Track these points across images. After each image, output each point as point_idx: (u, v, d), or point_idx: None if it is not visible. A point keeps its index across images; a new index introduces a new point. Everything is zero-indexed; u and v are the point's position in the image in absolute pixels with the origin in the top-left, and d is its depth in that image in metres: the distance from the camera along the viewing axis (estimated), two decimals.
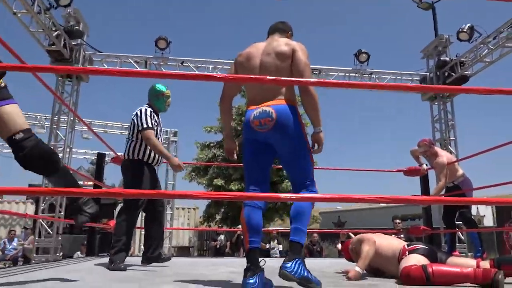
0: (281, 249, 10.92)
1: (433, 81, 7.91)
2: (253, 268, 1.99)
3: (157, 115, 3.56)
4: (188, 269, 3.38)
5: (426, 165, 5.60)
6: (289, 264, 1.94)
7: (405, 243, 2.90)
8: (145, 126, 3.32)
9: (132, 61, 7.67)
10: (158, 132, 3.50)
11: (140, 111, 3.43)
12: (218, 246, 12.52)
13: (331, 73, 8.09)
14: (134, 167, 3.39)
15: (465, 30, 6.64)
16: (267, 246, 10.53)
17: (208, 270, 3.32)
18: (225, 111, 2.52)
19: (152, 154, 3.44)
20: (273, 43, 2.31)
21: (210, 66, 7.76)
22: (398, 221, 8.59)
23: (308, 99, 2.22)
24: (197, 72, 6.84)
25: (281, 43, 2.29)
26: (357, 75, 8.04)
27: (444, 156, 5.33)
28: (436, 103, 8.15)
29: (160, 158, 3.50)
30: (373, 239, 2.94)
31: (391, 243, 2.95)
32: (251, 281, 1.94)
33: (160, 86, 3.60)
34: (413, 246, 2.80)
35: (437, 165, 5.23)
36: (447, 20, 18.37)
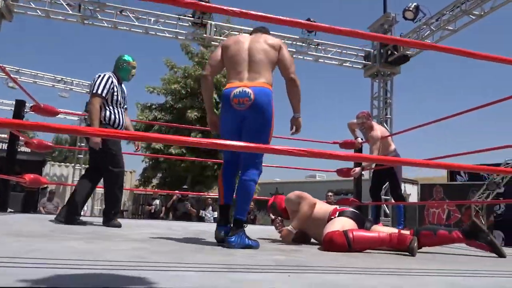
0: (215, 216, 10.83)
1: (376, 58, 8.02)
2: (224, 220, 2.43)
3: (120, 84, 3.62)
4: (107, 228, 3.17)
5: (362, 139, 5.70)
6: (233, 238, 2.28)
7: (337, 206, 2.91)
8: (94, 91, 3.36)
9: (64, 3, 6.95)
10: (119, 99, 3.54)
11: (99, 76, 3.47)
12: (152, 211, 12.20)
13: None
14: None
15: (411, 8, 6.71)
16: (201, 212, 10.40)
17: (129, 230, 3.12)
18: (208, 86, 2.63)
19: (114, 118, 3.47)
20: (261, 36, 2.58)
21: (152, 19, 7.27)
22: (330, 194, 8.83)
23: (293, 88, 2.51)
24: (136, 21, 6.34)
25: (269, 37, 2.57)
26: (304, 44, 7.94)
27: (379, 130, 5.43)
28: (377, 81, 8.31)
29: (122, 122, 3.56)
30: (314, 201, 2.88)
31: (322, 206, 2.92)
32: (222, 230, 2.37)
33: (127, 56, 3.66)
34: (343, 208, 2.81)
35: (371, 138, 5.32)
36: None
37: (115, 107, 3.49)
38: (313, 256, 2.18)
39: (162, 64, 16.29)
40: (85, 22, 7.15)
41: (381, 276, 1.65)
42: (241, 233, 2.35)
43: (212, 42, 7.42)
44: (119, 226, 3.36)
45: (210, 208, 11.00)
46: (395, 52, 7.71)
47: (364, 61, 8.22)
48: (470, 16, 6.20)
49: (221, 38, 7.30)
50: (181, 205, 9.41)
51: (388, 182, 5.64)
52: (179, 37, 7.32)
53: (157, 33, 7.36)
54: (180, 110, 15.24)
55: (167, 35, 7.28)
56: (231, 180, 2.52)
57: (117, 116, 3.48)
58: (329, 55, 8.00)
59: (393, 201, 6.27)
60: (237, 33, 7.48)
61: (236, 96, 2.38)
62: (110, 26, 7.15)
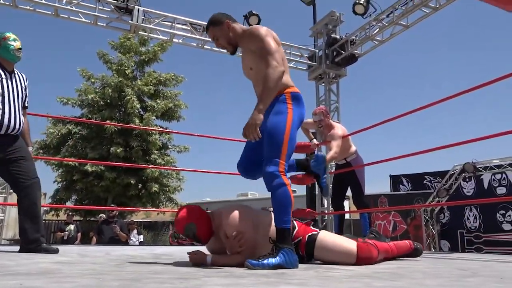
0: (141, 240, 9.57)
1: (322, 58, 7.45)
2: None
3: (7, 71, 2.88)
4: None
5: (316, 140, 5.08)
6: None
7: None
8: None
9: None
10: (5, 91, 2.80)
11: None
12: (65, 238, 10.47)
13: None
14: None
15: (361, 2, 6.24)
16: (131, 237, 8.99)
17: (19, 259, 2.16)
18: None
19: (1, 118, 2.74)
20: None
21: None
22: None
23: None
24: None
25: None
26: None
27: (340, 129, 4.85)
28: (323, 84, 7.73)
29: (14, 125, 2.79)
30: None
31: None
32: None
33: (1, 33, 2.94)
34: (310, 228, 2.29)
35: (331, 137, 4.70)
36: None
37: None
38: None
39: (76, 75, 14.79)
40: None
41: None
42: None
43: (140, 32, 6.30)
44: (56, 251, 2.77)
45: (135, 231, 9.72)
46: (342, 52, 7.20)
47: (308, 62, 7.59)
48: (423, 9, 5.83)
49: (150, 26, 6.21)
50: (107, 228, 7.88)
51: (350, 188, 4.97)
52: (99, 23, 6.05)
53: (70, 17, 5.97)
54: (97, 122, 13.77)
55: (83, 19, 5.96)
56: None
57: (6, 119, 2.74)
58: None
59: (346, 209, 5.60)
60: (170, 23, 6.47)
61: None
62: (8, 3, 5.67)
